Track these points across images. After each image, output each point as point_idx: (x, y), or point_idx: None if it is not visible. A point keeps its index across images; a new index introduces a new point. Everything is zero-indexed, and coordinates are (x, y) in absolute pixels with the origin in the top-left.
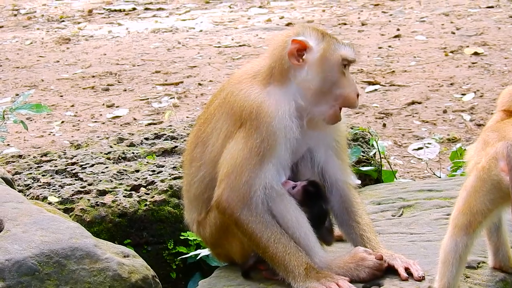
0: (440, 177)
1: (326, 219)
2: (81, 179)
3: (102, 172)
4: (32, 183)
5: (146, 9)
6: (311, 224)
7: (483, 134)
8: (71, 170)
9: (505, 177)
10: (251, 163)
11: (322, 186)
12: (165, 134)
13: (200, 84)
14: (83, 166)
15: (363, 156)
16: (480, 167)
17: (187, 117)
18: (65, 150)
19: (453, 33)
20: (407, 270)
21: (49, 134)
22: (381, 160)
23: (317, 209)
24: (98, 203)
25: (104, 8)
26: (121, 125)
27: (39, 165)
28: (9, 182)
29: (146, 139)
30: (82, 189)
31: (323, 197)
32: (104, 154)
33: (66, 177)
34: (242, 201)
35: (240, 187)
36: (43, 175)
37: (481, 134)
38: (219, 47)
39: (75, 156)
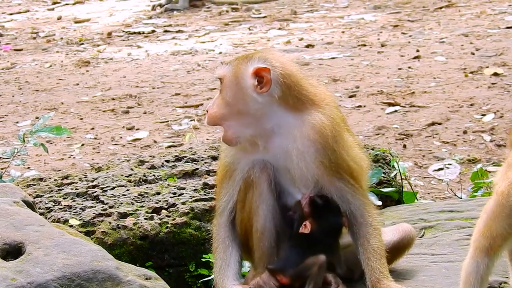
0: (461, 198)
1: (339, 235)
2: (102, 202)
3: (123, 195)
4: (53, 206)
5: (166, 31)
6: (321, 239)
7: (510, 157)
8: (92, 193)
9: None
10: None
11: (331, 199)
12: (185, 157)
13: None
14: (104, 189)
15: (384, 177)
16: (500, 191)
17: (207, 139)
18: (86, 173)
19: (473, 53)
20: None
21: (70, 157)
22: (402, 181)
23: (326, 222)
24: (119, 225)
25: (123, 31)
26: (141, 147)
27: (60, 188)
28: (31, 205)
29: (167, 161)
30: (103, 212)
31: (333, 210)
32: (125, 176)
33: (87, 199)
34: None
35: None
36: (64, 198)
37: (508, 157)
38: None
39: (96, 178)
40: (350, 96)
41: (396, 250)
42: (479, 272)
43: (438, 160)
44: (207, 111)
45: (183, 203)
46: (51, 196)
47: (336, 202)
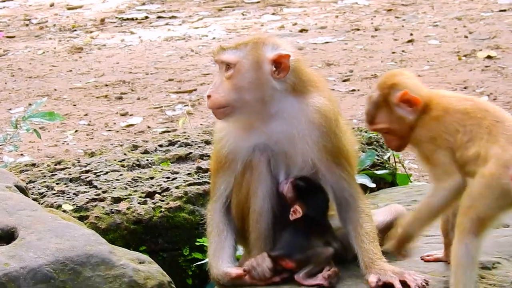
0: None
1: (327, 210)
2: (96, 187)
3: (117, 180)
4: (47, 191)
5: (159, 17)
6: (313, 219)
7: (489, 121)
8: (85, 178)
9: None
10: None
11: (313, 179)
12: (179, 141)
13: None
14: (97, 174)
15: (377, 159)
16: (488, 173)
17: (201, 124)
18: (79, 158)
19: (466, 37)
20: (404, 283)
21: (63, 143)
22: (395, 164)
23: (315, 201)
24: (113, 210)
25: (116, 17)
26: (135, 133)
27: (53, 173)
28: (23, 190)
29: (160, 146)
30: (96, 197)
31: (316, 188)
32: (118, 161)
33: (81, 185)
34: None
35: None
36: (57, 183)
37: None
38: None
39: (89, 164)
40: (344, 80)
41: (389, 230)
42: (470, 253)
43: None
44: (209, 96)
45: (177, 187)
46: (44, 182)
47: (315, 179)
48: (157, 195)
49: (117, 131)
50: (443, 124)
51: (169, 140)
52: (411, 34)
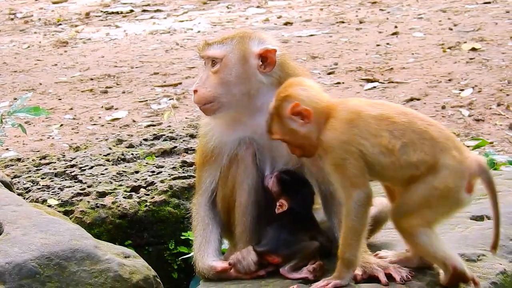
0: None
1: (313, 204)
2: (81, 181)
3: (102, 174)
4: (32, 186)
5: (144, 11)
6: (300, 213)
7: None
8: (71, 172)
9: (467, 196)
10: None
11: (299, 173)
12: (164, 135)
13: None
14: (83, 168)
15: None
16: (444, 186)
17: (186, 117)
18: (64, 153)
19: (451, 29)
20: (388, 275)
21: (48, 138)
22: None
23: (301, 195)
24: (98, 204)
25: (101, 11)
26: (120, 127)
27: (38, 168)
28: (8, 186)
29: (145, 140)
30: (81, 191)
31: (301, 181)
32: (103, 156)
33: (66, 179)
34: None
35: None
36: (42, 178)
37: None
38: None
39: (74, 158)
40: (329, 73)
41: (374, 223)
42: (432, 237)
43: None
44: (195, 91)
45: (162, 181)
46: (29, 177)
47: (300, 172)
48: (142, 189)
49: (102, 125)
50: (356, 127)
51: (154, 134)
52: (396, 27)
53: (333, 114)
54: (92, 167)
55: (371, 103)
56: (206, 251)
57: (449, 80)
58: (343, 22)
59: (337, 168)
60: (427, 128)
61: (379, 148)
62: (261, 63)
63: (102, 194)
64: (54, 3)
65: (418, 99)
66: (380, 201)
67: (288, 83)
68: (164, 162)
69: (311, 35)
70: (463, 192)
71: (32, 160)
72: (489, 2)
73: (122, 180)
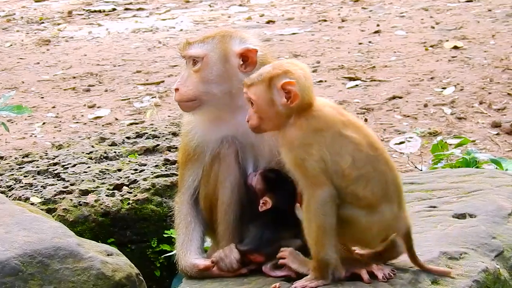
0: (421, 170)
1: (296, 202)
2: (63, 179)
3: (84, 172)
4: (14, 184)
5: (126, 9)
6: (284, 211)
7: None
8: (53, 170)
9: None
10: None
11: (282, 171)
12: (146, 133)
13: None
14: (65, 166)
15: None
16: (367, 225)
17: (169, 116)
18: (46, 151)
19: (433, 27)
20: (371, 273)
21: (31, 136)
22: None
23: (284, 193)
24: (80, 202)
25: (83, 9)
26: (102, 125)
27: (20, 166)
28: None
29: (128, 138)
30: (64, 189)
31: (285, 179)
32: (86, 154)
33: (48, 177)
34: None
35: None
36: (25, 176)
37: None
38: None
39: (57, 156)
40: (311, 71)
41: None
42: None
43: (399, 133)
44: (176, 89)
45: (145, 179)
46: (12, 175)
47: (284, 171)
48: (124, 187)
49: (85, 123)
50: (323, 138)
51: (137, 132)
52: (378, 25)
53: (307, 114)
54: (74, 165)
55: (348, 122)
56: (188, 249)
57: (431, 78)
58: (325, 21)
59: (297, 167)
60: (386, 172)
61: (335, 166)
62: (242, 62)
63: (85, 192)
64: (36, 1)
65: (400, 97)
66: None
67: (293, 63)
68: (146, 160)
69: (294, 34)
70: (378, 240)
71: (15, 158)
72: (471, 1)
73: (105, 178)
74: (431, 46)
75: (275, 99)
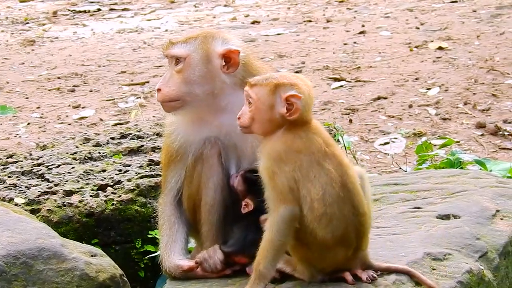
0: (406, 171)
1: None
2: (48, 180)
3: (69, 173)
4: None
5: (111, 9)
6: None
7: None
8: (37, 171)
9: None
10: None
11: None
12: (131, 134)
13: None
14: (49, 167)
15: None
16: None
17: (154, 116)
18: (31, 151)
19: (418, 28)
20: (354, 274)
21: (15, 136)
22: (347, 155)
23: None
24: (65, 203)
25: (68, 10)
26: (87, 125)
27: (4, 166)
28: None
29: (112, 138)
30: (48, 190)
31: None
32: (70, 154)
33: (32, 178)
34: None
35: None
36: (9, 177)
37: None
38: None
39: (41, 157)
40: (296, 72)
41: None
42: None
43: (384, 134)
44: (159, 89)
45: (129, 180)
46: None
47: None
48: (109, 188)
49: (70, 124)
50: (299, 160)
51: (121, 133)
52: (363, 26)
53: (297, 132)
54: (59, 165)
55: (331, 155)
56: (172, 250)
57: (416, 79)
58: (310, 21)
59: (268, 178)
60: (349, 217)
61: (306, 193)
62: (224, 63)
63: (69, 193)
64: (21, 1)
65: (385, 98)
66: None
67: (301, 78)
68: (131, 160)
69: (279, 34)
70: (331, 269)
71: None
72: (456, 1)
73: (89, 178)
74: (416, 47)
75: (275, 106)
